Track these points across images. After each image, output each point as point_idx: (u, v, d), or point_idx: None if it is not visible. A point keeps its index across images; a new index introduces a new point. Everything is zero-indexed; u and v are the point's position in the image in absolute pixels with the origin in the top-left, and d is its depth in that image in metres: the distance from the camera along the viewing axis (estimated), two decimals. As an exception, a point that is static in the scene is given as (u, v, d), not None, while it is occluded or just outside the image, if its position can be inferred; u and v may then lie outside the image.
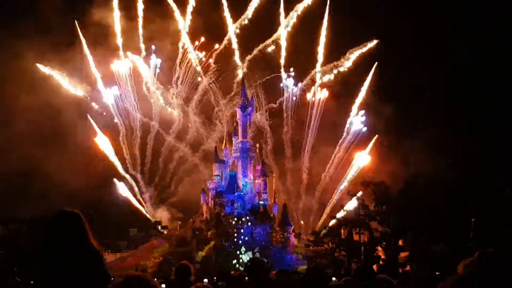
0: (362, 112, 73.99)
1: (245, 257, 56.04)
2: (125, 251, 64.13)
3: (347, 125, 74.14)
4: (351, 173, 71.40)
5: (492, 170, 33.67)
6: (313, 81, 76.25)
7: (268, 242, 60.75)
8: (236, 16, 76.35)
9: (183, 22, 75.35)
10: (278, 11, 75.27)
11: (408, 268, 40.27)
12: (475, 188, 35.53)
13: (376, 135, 72.12)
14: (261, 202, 64.02)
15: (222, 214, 62.01)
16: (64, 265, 3.52)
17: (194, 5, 74.44)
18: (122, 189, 72.62)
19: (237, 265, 54.11)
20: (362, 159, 70.98)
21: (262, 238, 60.78)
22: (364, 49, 74.66)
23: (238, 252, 58.77)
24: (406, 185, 42.78)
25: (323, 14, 74.01)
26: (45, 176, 64.09)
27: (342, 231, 46.64)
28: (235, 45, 76.40)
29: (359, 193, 47.67)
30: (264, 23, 76.36)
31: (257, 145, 68.27)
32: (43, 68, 71.30)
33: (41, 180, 64.05)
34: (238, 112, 66.20)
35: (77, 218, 3.74)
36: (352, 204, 48.00)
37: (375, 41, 73.91)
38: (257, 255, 53.15)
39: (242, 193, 63.34)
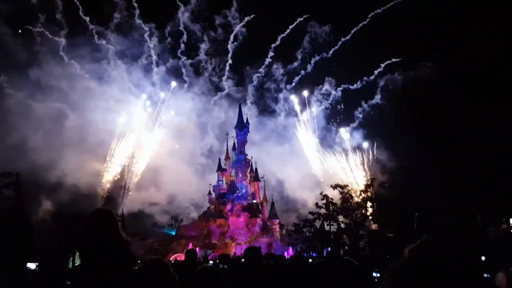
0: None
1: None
2: (149, 239, 62.86)
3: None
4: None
5: (433, 176, 33.72)
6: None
7: (260, 231, 60.37)
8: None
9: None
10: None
11: (367, 251, 40.13)
12: (418, 191, 35.55)
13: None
14: (254, 201, 63.62)
15: (225, 211, 61.64)
16: (100, 250, 3.46)
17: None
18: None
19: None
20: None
21: (255, 228, 60.39)
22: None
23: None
24: (364, 187, 42.88)
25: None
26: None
27: (317, 222, 46.46)
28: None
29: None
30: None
31: (251, 157, 67.96)
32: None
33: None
34: (236, 131, 66.23)
35: (110, 213, 3.70)
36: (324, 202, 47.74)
37: None
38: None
39: (239, 194, 63.02)
